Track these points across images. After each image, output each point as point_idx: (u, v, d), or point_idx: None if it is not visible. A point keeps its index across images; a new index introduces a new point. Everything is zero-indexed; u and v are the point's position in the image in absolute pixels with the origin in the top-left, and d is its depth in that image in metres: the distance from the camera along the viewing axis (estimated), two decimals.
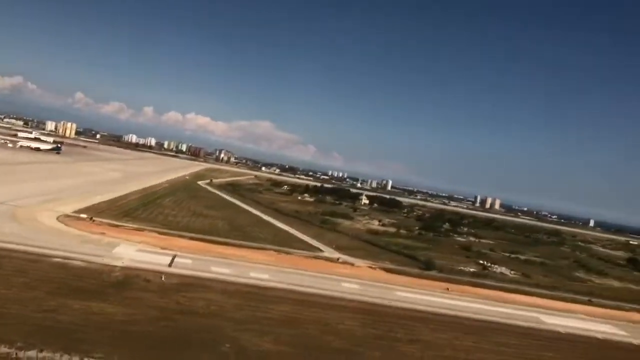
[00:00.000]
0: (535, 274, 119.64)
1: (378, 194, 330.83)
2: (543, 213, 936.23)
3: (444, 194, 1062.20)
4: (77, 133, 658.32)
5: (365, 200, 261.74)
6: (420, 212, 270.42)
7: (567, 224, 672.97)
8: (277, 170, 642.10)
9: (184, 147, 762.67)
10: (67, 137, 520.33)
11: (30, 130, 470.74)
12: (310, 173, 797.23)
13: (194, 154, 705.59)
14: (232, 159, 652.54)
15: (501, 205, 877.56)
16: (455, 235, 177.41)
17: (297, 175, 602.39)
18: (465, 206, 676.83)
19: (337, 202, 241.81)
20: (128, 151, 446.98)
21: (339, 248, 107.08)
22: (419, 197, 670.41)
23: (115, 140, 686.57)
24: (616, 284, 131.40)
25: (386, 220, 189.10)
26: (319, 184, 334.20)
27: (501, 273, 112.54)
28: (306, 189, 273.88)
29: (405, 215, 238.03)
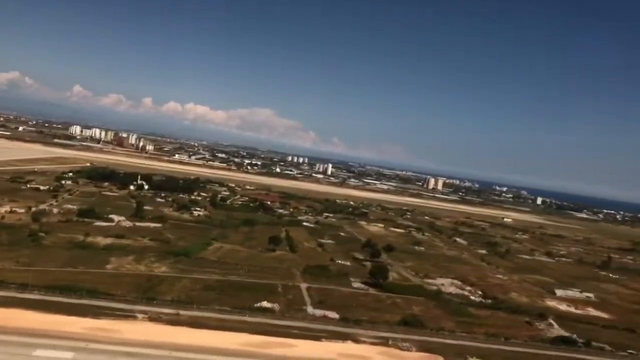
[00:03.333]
0: None
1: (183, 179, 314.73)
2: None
3: (426, 175, 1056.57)
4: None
5: (145, 185, 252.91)
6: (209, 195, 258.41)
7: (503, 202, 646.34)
8: (200, 157, 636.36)
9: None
10: None
11: None
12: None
13: (119, 143, 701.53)
14: (149, 147, 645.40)
15: (446, 184, 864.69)
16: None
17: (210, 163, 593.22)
18: (391, 186, 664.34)
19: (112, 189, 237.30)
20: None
21: None
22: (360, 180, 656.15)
23: (42, 131, 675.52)
24: None
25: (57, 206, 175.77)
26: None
27: None
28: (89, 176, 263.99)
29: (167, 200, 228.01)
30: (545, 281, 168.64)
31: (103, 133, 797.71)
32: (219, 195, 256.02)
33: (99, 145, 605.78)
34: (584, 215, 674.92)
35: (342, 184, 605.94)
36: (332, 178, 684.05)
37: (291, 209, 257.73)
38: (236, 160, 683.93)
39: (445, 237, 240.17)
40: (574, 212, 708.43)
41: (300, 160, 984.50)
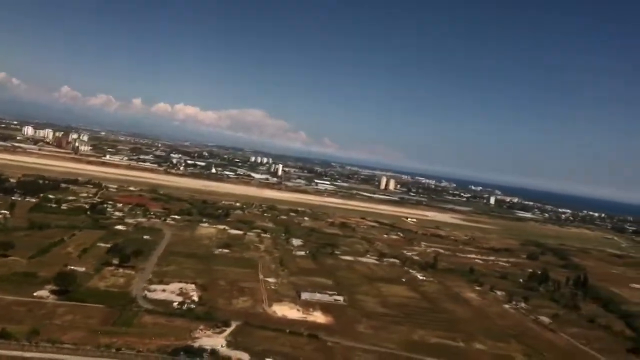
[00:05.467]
0: None
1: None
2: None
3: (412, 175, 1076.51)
4: None
5: None
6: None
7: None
8: (136, 158, 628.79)
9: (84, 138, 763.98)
10: None
11: None
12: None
13: (58, 144, 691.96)
14: (84, 148, 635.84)
15: (399, 183, 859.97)
16: None
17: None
18: (334, 187, 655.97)
19: None
20: None
21: None
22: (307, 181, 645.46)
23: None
24: None
25: None
26: None
27: None
28: None
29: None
30: (319, 283, 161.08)
31: (51, 134, 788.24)
32: (52, 197, 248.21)
33: (28, 146, 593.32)
34: (527, 215, 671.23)
35: (276, 185, 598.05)
36: (274, 179, 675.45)
37: (135, 212, 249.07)
38: (174, 161, 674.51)
39: (284, 238, 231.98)
40: (520, 212, 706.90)
41: (265, 160, 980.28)
